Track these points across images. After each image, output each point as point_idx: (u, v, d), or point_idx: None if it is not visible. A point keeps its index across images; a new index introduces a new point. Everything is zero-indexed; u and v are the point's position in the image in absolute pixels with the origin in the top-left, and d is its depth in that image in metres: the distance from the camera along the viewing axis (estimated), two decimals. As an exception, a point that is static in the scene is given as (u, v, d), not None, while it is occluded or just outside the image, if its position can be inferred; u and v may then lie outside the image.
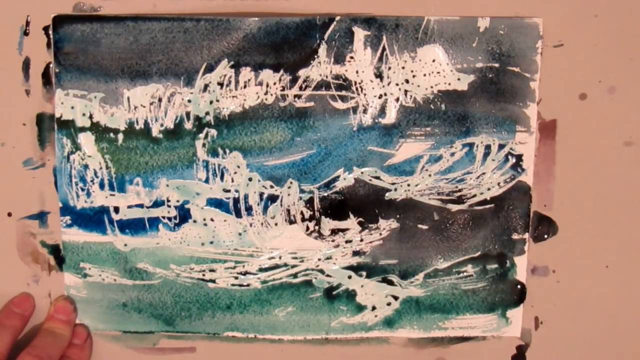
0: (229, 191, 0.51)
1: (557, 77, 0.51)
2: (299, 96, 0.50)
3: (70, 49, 0.50)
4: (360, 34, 0.50)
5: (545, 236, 0.53)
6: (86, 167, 0.51)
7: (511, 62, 0.50)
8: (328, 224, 0.52)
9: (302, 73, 0.50)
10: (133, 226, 0.52)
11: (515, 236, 0.52)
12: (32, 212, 0.52)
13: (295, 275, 0.53)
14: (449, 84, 0.50)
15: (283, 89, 0.50)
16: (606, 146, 0.52)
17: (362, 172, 0.51)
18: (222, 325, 0.53)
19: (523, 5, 0.50)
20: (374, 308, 0.53)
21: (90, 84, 0.50)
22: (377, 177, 0.51)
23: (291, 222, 0.52)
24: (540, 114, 0.51)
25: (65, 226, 0.52)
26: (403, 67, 0.50)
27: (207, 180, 0.51)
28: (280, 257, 0.52)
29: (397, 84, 0.50)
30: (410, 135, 0.51)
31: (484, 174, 0.52)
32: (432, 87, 0.50)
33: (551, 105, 0.51)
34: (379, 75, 0.50)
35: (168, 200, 0.51)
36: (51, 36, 0.50)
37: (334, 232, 0.52)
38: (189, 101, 0.50)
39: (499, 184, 0.52)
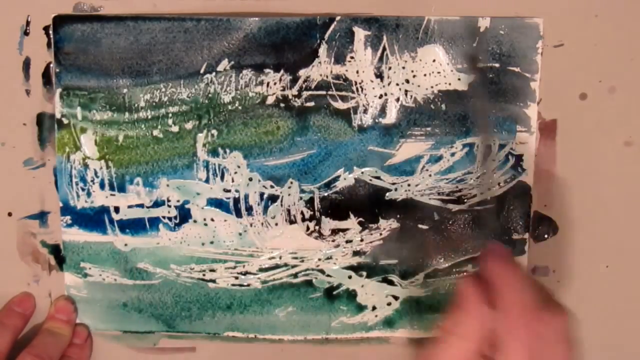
0: (229, 191, 0.51)
1: (557, 77, 0.51)
2: (299, 96, 0.50)
3: (71, 48, 0.50)
4: (360, 34, 0.50)
5: (545, 236, 0.53)
6: (86, 167, 0.51)
7: (511, 62, 0.50)
8: (328, 224, 0.52)
9: (303, 73, 0.50)
10: (133, 226, 0.52)
11: (515, 236, 0.52)
12: (33, 212, 0.52)
13: (295, 275, 0.53)
14: (449, 84, 0.50)
15: (283, 89, 0.50)
16: (606, 146, 0.52)
17: (362, 172, 0.51)
18: (222, 325, 0.53)
19: (523, 5, 0.50)
20: (374, 308, 0.53)
21: (90, 84, 0.50)
22: (378, 177, 0.51)
23: (291, 222, 0.52)
24: (541, 114, 0.51)
25: (65, 226, 0.52)
26: (403, 67, 0.50)
27: (207, 180, 0.51)
28: (280, 257, 0.52)
29: (397, 84, 0.50)
30: (411, 135, 0.51)
31: (484, 173, 0.52)
32: (432, 87, 0.50)
33: (551, 105, 0.51)
34: (380, 75, 0.50)
35: (168, 200, 0.51)
36: (51, 36, 0.50)
37: (334, 232, 0.52)
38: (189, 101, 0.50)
39: (499, 184, 0.52)
